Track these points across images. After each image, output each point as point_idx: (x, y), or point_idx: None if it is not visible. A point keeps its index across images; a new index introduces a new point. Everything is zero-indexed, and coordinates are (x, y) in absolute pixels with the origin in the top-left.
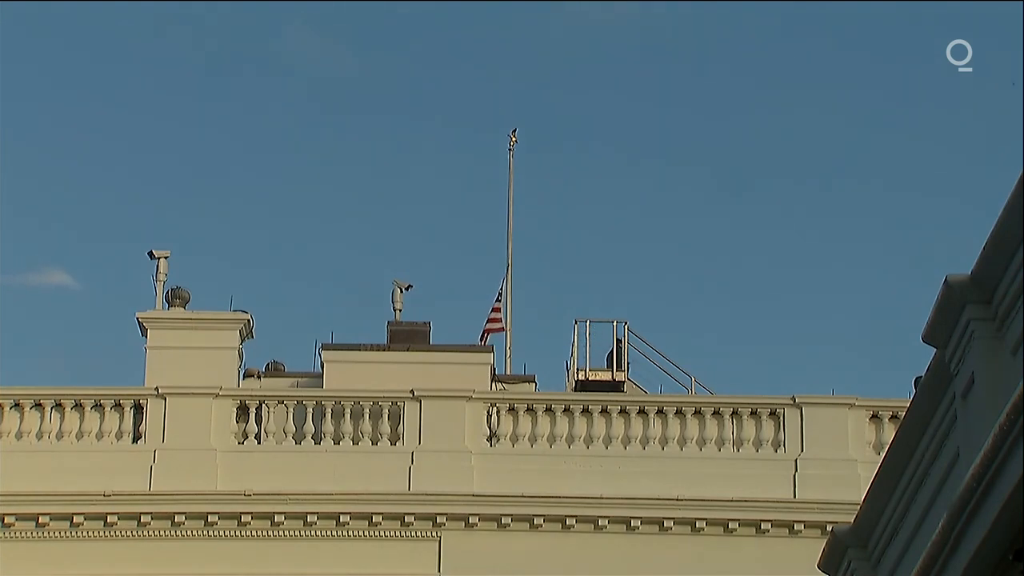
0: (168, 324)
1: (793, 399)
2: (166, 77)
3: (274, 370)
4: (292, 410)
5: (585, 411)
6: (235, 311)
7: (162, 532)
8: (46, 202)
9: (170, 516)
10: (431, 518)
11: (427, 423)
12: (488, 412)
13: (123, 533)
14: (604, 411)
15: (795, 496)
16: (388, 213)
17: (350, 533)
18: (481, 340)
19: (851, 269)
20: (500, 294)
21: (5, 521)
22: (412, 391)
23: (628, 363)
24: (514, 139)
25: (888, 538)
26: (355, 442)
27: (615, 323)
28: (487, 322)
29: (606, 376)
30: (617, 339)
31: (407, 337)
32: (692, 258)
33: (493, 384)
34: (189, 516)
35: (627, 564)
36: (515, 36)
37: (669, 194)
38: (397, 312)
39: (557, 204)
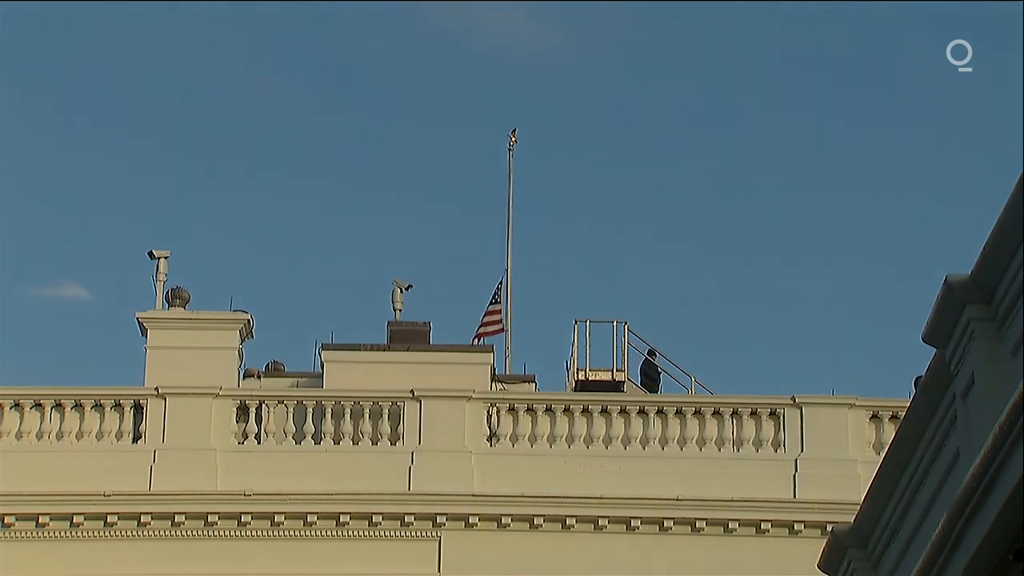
0: (168, 324)
1: (793, 399)
2: (166, 77)
3: (274, 370)
4: (292, 410)
5: (585, 411)
6: (235, 311)
7: (162, 532)
8: (45, 205)
9: (170, 516)
10: (431, 518)
11: (427, 423)
12: (488, 412)
13: (123, 533)
14: (604, 411)
15: (795, 496)
16: (388, 213)
17: (350, 533)
18: (473, 343)
19: (851, 269)
20: (496, 296)
21: (5, 521)
22: (412, 391)
23: (661, 374)
24: (514, 139)
25: (888, 538)
26: (355, 442)
27: (615, 323)
28: (480, 326)
29: (606, 376)
30: (650, 351)
31: (407, 337)
32: (692, 258)
33: (493, 384)
34: (189, 516)
35: (627, 564)
36: (516, 35)
37: (669, 194)
38: (397, 312)
39: (557, 204)
